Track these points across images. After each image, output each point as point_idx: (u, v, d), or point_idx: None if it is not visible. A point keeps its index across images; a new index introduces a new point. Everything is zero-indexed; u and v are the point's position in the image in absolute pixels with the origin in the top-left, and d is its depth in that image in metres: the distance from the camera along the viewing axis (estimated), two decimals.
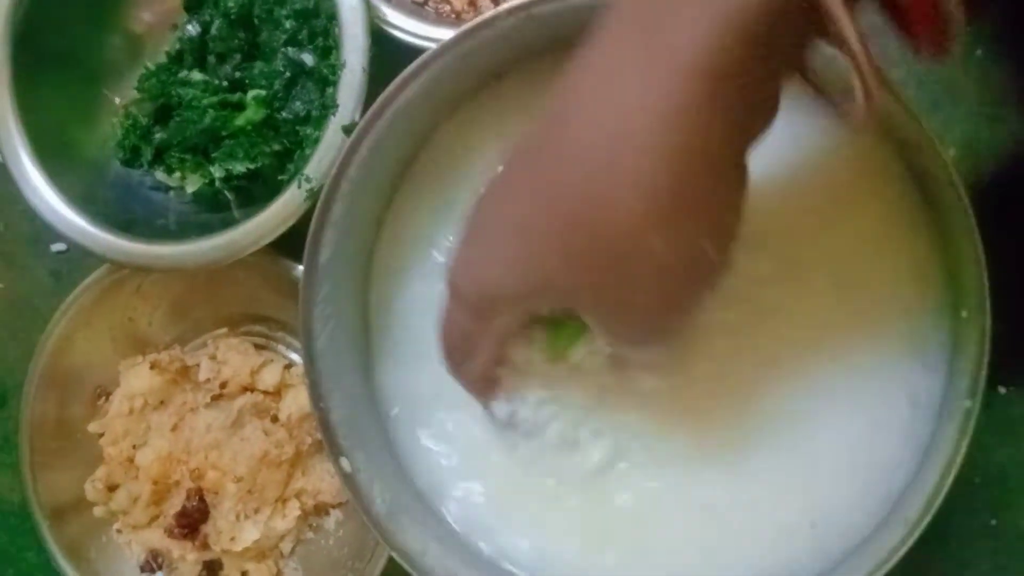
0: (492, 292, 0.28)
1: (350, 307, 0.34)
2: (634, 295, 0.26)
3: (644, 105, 0.24)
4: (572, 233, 0.25)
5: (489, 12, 0.33)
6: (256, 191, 0.43)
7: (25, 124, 0.41)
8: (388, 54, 0.39)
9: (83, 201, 0.41)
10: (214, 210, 0.44)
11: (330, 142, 0.37)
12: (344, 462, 0.31)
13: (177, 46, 0.43)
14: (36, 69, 0.41)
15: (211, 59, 0.42)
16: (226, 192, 0.43)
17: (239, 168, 0.41)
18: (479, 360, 0.31)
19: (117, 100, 0.43)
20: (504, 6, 0.33)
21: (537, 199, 0.26)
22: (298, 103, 0.41)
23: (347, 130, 0.37)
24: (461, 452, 0.32)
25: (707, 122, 0.24)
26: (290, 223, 0.38)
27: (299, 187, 0.37)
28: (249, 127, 0.40)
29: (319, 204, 0.33)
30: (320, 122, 0.39)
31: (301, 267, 0.39)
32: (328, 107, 0.38)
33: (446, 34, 0.38)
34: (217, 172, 0.42)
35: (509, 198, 0.28)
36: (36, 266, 0.48)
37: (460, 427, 0.32)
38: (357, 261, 0.35)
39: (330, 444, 0.31)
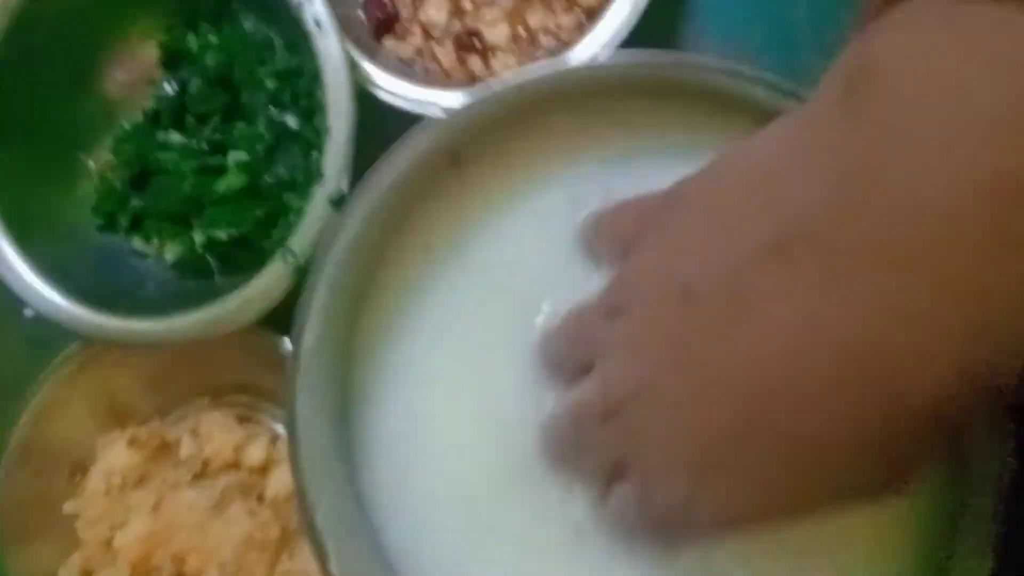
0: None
1: (336, 395, 0.32)
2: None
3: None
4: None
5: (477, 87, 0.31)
6: (240, 256, 0.41)
7: None
8: (374, 115, 0.37)
9: (57, 271, 0.39)
10: (196, 277, 0.41)
11: (316, 213, 0.35)
12: (333, 566, 0.29)
13: (154, 105, 0.41)
14: (4, 133, 0.39)
15: (190, 119, 0.40)
16: (208, 258, 0.41)
17: (221, 235, 0.39)
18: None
19: (92, 164, 0.41)
20: (506, 77, 0.31)
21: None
22: (281, 167, 0.39)
23: (334, 202, 0.35)
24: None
25: None
26: (275, 299, 0.36)
27: (284, 262, 0.35)
28: (231, 193, 0.39)
29: (303, 292, 0.31)
30: (305, 189, 0.37)
31: (286, 340, 0.38)
32: (313, 174, 0.36)
33: (434, 97, 0.37)
34: (198, 239, 0.40)
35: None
36: (9, 332, 0.46)
37: None
38: (341, 343, 0.33)
39: (317, 549, 0.29)
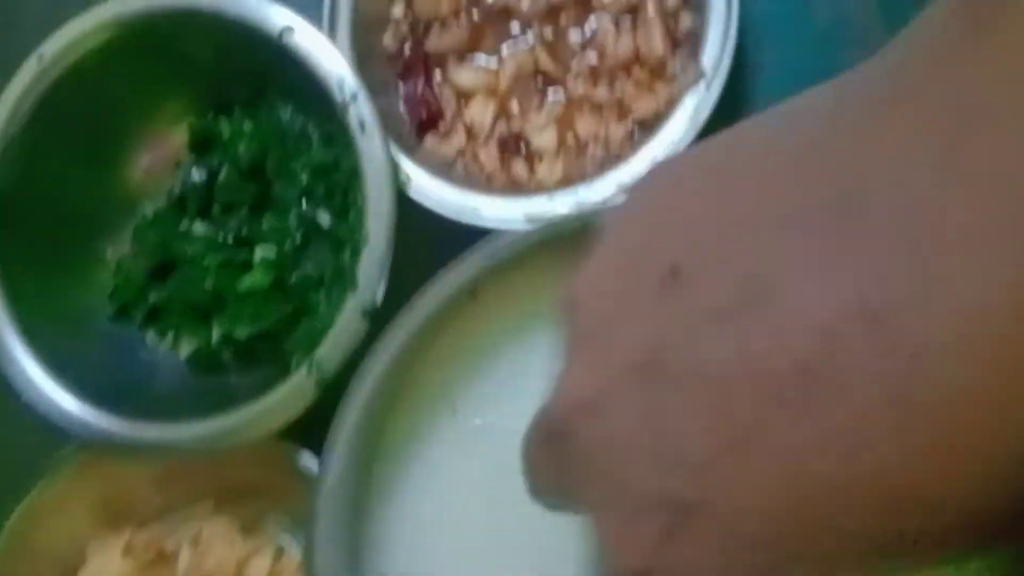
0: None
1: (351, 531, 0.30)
2: None
3: None
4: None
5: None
6: (258, 353, 0.39)
7: (3, 276, 0.37)
8: (410, 214, 0.35)
9: (62, 362, 0.36)
10: (210, 372, 0.39)
11: (346, 324, 0.33)
12: None
13: (179, 191, 0.39)
14: (20, 215, 0.37)
15: (216, 208, 0.38)
16: (224, 354, 0.39)
17: (241, 333, 0.37)
18: None
19: (109, 249, 0.39)
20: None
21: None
22: (310, 265, 0.37)
23: (367, 314, 0.33)
24: None
25: None
26: (297, 412, 0.33)
27: (308, 374, 0.33)
28: (255, 291, 0.36)
29: (332, 427, 0.29)
30: (334, 291, 0.35)
31: (302, 452, 0.35)
32: (345, 279, 0.34)
33: (473, 202, 0.35)
34: (216, 334, 0.38)
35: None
36: (5, 420, 0.43)
37: None
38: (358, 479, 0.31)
39: None
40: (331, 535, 0.30)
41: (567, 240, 0.30)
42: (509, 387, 0.32)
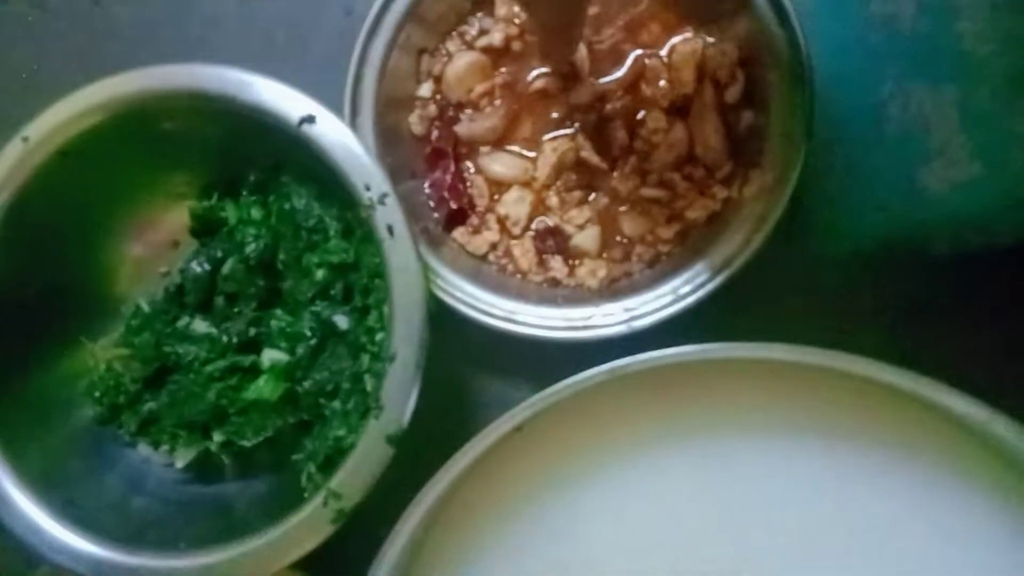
0: None
1: None
2: None
3: None
4: None
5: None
6: (259, 458, 0.35)
7: None
8: (438, 317, 0.32)
9: (44, 477, 0.32)
10: (204, 479, 0.35)
11: (369, 450, 0.29)
12: None
13: (178, 281, 0.35)
14: None
15: (219, 302, 0.34)
16: (223, 458, 0.35)
17: (244, 442, 0.34)
18: None
19: (97, 348, 0.35)
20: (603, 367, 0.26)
21: None
22: (324, 372, 0.33)
23: (392, 440, 0.29)
24: None
25: None
26: (311, 547, 0.30)
27: (325, 505, 0.29)
28: (262, 402, 0.33)
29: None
30: (352, 402, 0.31)
31: None
32: (362, 387, 0.31)
33: (507, 307, 0.32)
34: (216, 441, 0.34)
35: None
36: None
37: None
38: None
39: None
40: None
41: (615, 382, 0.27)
42: (552, 526, 0.29)
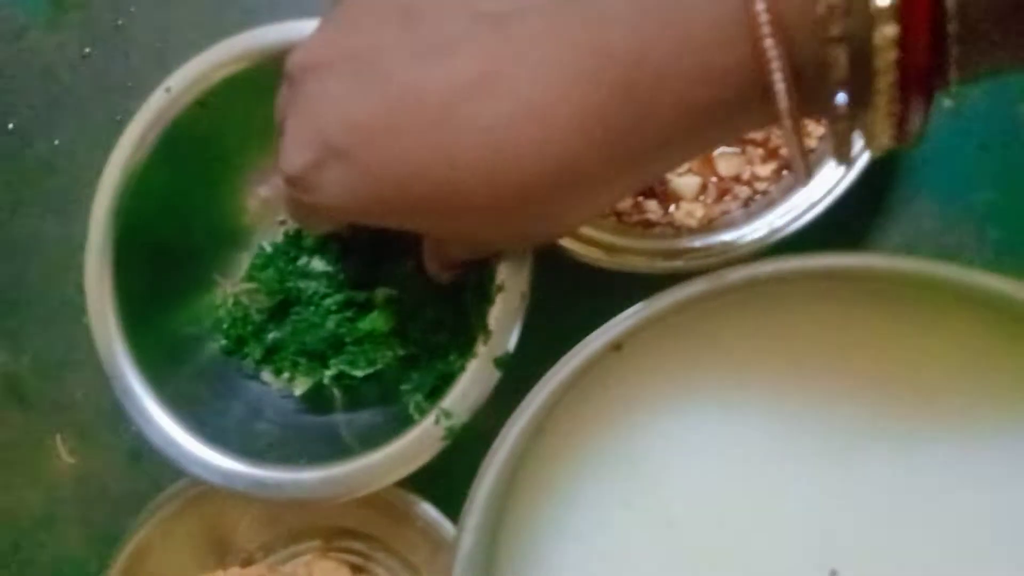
0: (354, 209, 0.27)
1: None
2: (478, 232, 0.27)
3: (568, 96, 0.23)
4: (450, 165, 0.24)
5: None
6: (367, 391, 0.38)
7: (119, 300, 0.36)
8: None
9: (175, 398, 0.35)
10: (317, 409, 0.38)
11: (478, 373, 0.31)
12: None
13: (297, 226, 0.38)
14: (138, 244, 0.36)
15: (333, 244, 0.37)
16: (335, 391, 0.38)
17: (357, 373, 0.36)
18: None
19: (224, 282, 0.38)
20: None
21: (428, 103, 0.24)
22: (432, 308, 0.35)
23: (500, 364, 0.31)
24: None
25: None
26: (422, 463, 0.32)
27: (436, 423, 0.32)
28: (375, 334, 0.35)
29: (474, 483, 0.27)
30: (459, 335, 0.34)
31: (418, 502, 0.34)
32: (470, 319, 0.33)
33: (603, 242, 0.33)
34: (329, 373, 0.37)
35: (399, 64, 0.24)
36: (113, 444, 0.43)
37: None
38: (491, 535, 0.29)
39: None
40: None
41: (721, 296, 0.28)
42: (651, 451, 0.30)
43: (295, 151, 0.27)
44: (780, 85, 0.21)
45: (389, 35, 0.25)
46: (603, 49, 0.22)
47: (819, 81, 0.21)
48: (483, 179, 0.24)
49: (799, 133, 0.22)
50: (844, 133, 0.22)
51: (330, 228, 0.35)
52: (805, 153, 0.23)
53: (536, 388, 0.29)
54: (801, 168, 0.24)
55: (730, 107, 0.22)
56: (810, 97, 0.21)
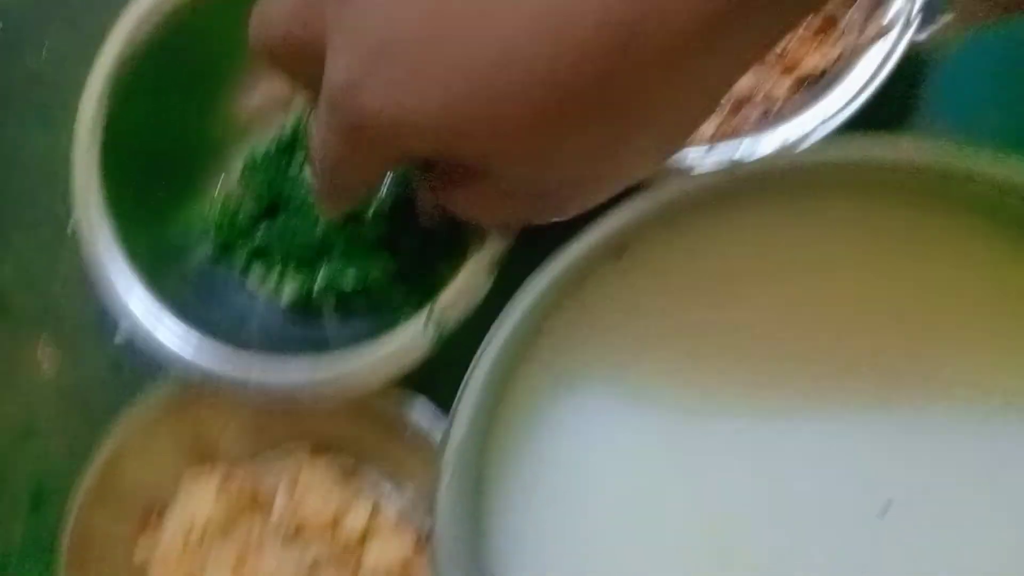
0: (405, 122, 0.24)
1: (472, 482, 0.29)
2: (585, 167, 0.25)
3: None
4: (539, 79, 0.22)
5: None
6: (356, 304, 0.37)
7: (107, 207, 0.35)
8: None
9: (163, 297, 0.35)
10: (307, 320, 0.38)
11: (471, 276, 0.31)
12: None
13: (289, 134, 0.38)
14: (128, 147, 0.36)
15: None
16: (325, 302, 0.38)
17: (346, 284, 0.36)
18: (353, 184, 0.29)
19: (213, 186, 0.38)
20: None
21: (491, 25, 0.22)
22: (424, 216, 0.36)
23: (495, 267, 0.31)
24: None
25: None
26: (411, 363, 0.32)
27: (426, 322, 0.32)
28: (366, 243, 0.35)
29: (461, 388, 0.28)
30: (454, 246, 0.34)
31: (408, 412, 0.35)
32: (467, 232, 0.33)
33: None
34: (319, 284, 0.37)
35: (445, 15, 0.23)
36: (95, 355, 0.42)
37: None
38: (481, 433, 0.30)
39: None
40: (455, 503, 0.29)
41: (728, 198, 0.28)
42: (646, 356, 0.30)
43: (347, 61, 0.24)
44: None
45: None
46: None
47: None
48: (546, 64, 0.22)
49: None
50: None
51: (360, 193, 0.32)
52: None
53: (534, 279, 0.28)
54: None
55: None
56: None
